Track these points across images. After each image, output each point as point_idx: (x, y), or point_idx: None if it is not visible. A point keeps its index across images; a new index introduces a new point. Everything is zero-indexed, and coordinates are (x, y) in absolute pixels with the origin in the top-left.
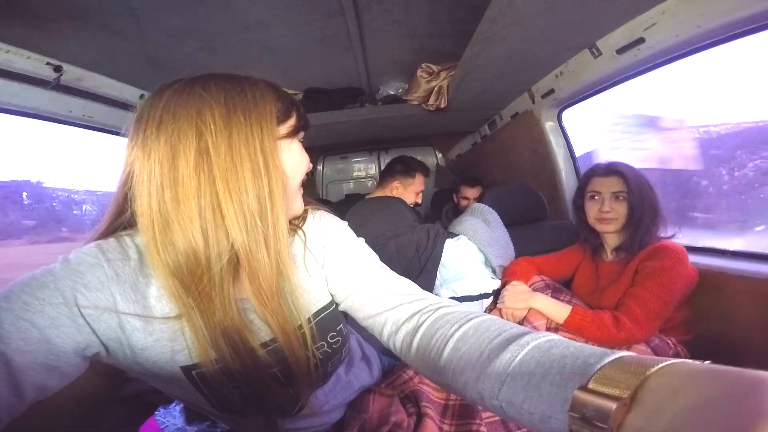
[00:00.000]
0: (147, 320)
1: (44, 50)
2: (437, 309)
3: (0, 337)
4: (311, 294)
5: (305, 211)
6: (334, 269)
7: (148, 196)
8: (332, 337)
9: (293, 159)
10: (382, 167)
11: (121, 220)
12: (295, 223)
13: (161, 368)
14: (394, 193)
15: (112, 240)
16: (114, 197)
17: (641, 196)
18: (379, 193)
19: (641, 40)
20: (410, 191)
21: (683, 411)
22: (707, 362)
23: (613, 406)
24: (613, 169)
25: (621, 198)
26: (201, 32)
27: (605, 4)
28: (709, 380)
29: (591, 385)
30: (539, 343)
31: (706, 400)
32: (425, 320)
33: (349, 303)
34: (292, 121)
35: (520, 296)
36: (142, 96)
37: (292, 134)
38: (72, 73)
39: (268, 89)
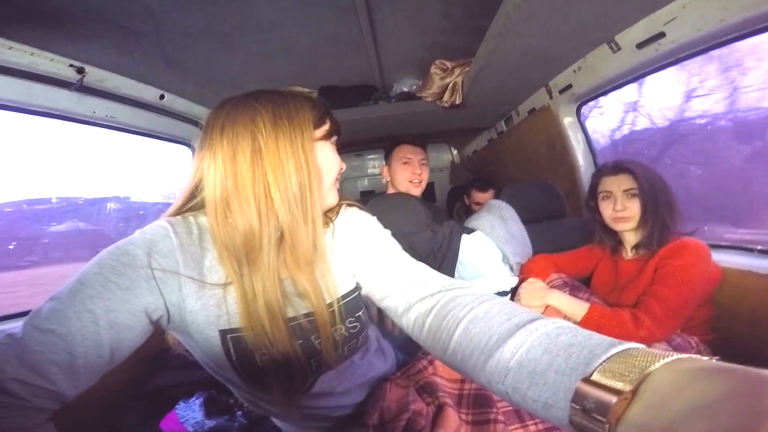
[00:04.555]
0: (200, 285)
1: (67, 52)
2: (449, 290)
3: (91, 297)
4: (336, 279)
5: (339, 207)
6: (360, 257)
7: (214, 185)
8: (350, 322)
9: (327, 158)
10: None
11: (189, 204)
12: (329, 216)
13: (202, 331)
14: (387, 177)
15: (179, 218)
16: (186, 187)
17: (654, 192)
18: (390, 189)
19: (662, 35)
20: (394, 162)
21: (686, 409)
22: (716, 358)
23: (613, 399)
24: (621, 167)
25: (633, 195)
26: (217, 33)
27: None
28: (713, 378)
29: (595, 377)
30: (548, 330)
31: (710, 398)
32: (437, 302)
33: (369, 286)
34: (326, 127)
35: (537, 293)
36: (162, 96)
37: (326, 137)
38: (94, 75)
39: (305, 100)
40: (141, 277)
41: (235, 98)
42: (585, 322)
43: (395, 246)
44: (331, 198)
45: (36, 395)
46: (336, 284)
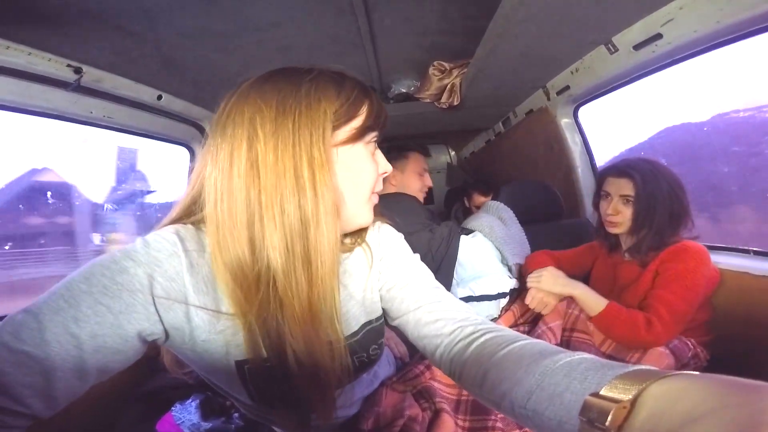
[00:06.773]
0: (214, 314)
1: (64, 52)
2: (489, 332)
3: (76, 320)
4: (363, 306)
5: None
6: (390, 285)
7: (212, 202)
8: (373, 350)
9: (357, 166)
10: None
11: (193, 218)
12: (361, 236)
13: (216, 360)
14: (393, 182)
15: (191, 228)
16: (186, 194)
17: (653, 201)
18: (390, 188)
19: (659, 36)
20: (409, 172)
21: (682, 418)
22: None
23: (612, 408)
24: (624, 171)
25: (628, 201)
26: (214, 33)
27: (621, 0)
28: (708, 388)
29: (602, 392)
30: (571, 360)
31: (706, 408)
32: (475, 341)
33: (404, 320)
34: (356, 123)
35: (560, 280)
36: (159, 97)
37: (354, 138)
38: (92, 75)
39: (329, 84)
40: (138, 302)
41: (245, 84)
42: (599, 319)
43: (429, 277)
44: (363, 216)
45: (6, 415)
46: (359, 312)
